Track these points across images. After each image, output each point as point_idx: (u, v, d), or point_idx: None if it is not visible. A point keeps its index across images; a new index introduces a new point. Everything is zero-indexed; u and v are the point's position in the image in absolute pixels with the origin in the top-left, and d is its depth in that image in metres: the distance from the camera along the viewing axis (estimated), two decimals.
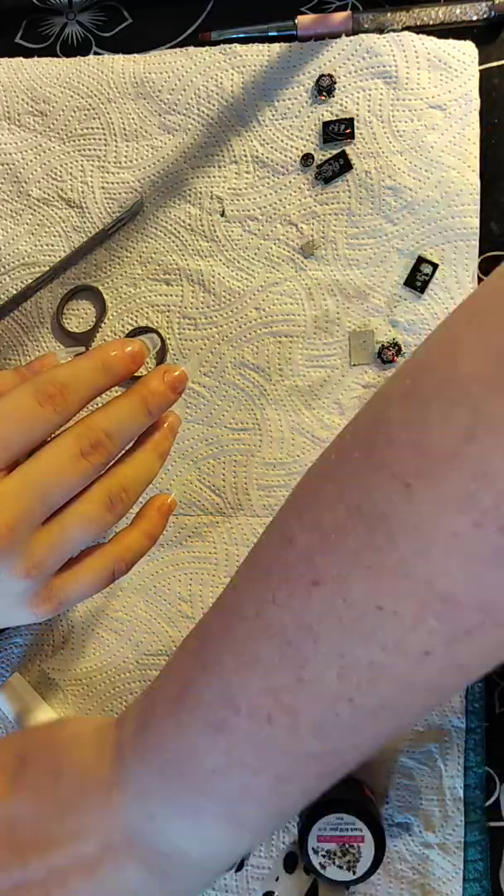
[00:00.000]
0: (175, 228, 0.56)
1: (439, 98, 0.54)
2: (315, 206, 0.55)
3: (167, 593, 0.57)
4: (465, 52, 0.54)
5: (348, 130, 0.54)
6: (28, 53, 0.57)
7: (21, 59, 0.57)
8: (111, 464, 0.44)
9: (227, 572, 0.56)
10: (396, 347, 0.54)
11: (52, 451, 0.41)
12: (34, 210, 0.57)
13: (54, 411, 0.40)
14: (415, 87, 0.54)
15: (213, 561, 0.56)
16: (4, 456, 0.40)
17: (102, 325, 0.57)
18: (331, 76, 0.54)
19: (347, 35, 0.54)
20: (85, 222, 0.57)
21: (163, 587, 0.57)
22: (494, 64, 0.55)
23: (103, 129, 0.56)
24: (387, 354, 0.54)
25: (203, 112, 0.56)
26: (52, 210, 0.57)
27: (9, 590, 0.41)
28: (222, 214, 0.56)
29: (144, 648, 0.57)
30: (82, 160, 0.56)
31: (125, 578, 0.57)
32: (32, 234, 0.57)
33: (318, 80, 0.54)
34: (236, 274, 0.56)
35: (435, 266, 0.54)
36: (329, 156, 0.55)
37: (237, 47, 0.55)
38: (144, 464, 0.44)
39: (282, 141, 0.55)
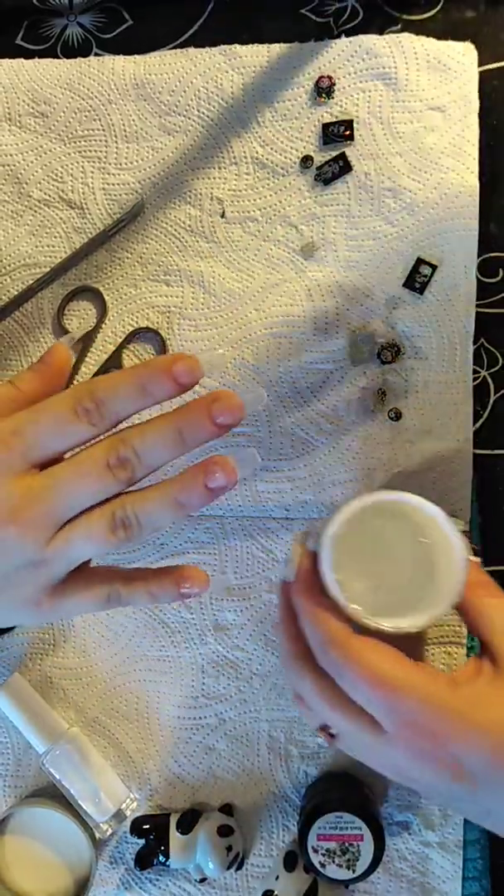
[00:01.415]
0: (175, 230, 0.56)
1: (438, 100, 0.54)
2: (315, 207, 0.55)
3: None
4: (464, 54, 0.54)
5: (348, 132, 0.54)
6: (29, 55, 0.57)
7: (22, 60, 0.57)
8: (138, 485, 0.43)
9: (226, 572, 0.56)
10: (396, 348, 0.54)
11: (83, 456, 0.41)
12: (35, 211, 0.57)
13: (89, 423, 0.41)
14: (414, 88, 0.54)
15: (212, 562, 0.56)
16: (37, 455, 0.42)
17: (103, 325, 0.57)
18: (330, 77, 0.54)
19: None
20: (86, 223, 0.57)
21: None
22: (493, 65, 0.55)
23: (104, 130, 0.56)
24: (386, 355, 0.54)
25: (203, 113, 0.56)
26: (53, 211, 0.57)
27: (22, 581, 0.42)
28: (222, 216, 0.56)
29: (145, 649, 0.57)
30: (83, 161, 0.57)
31: None
32: (33, 235, 0.57)
33: (317, 82, 0.55)
34: (236, 275, 0.56)
35: (434, 267, 0.54)
36: (329, 157, 0.55)
37: (237, 48, 0.55)
38: (156, 505, 0.42)
39: (281, 142, 0.55)
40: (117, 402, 0.41)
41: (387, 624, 0.43)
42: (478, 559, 0.47)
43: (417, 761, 0.42)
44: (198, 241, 0.56)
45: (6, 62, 0.57)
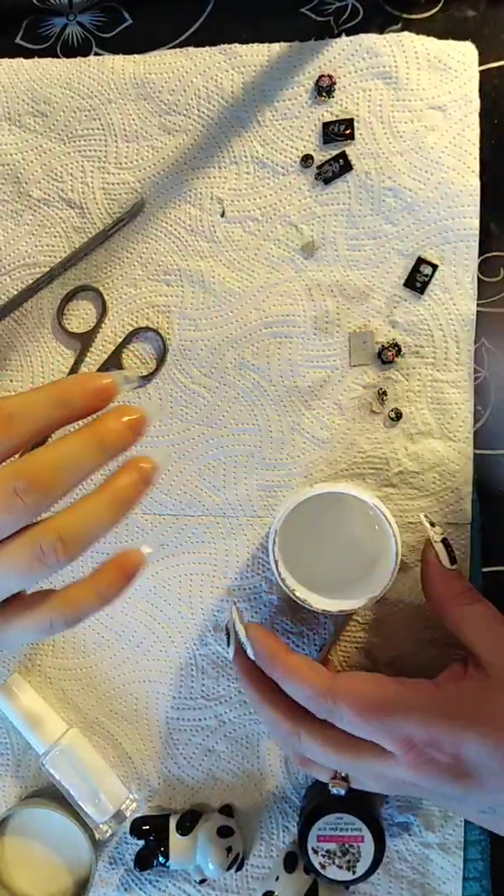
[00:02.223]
0: (175, 229, 0.56)
1: (439, 99, 0.54)
2: (315, 206, 0.55)
3: (167, 594, 0.57)
4: (465, 53, 0.54)
5: (348, 131, 0.54)
6: (28, 54, 0.57)
7: (22, 59, 0.57)
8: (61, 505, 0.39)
9: (226, 573, 0.56)
10: (396, 348, 0.54)
11: None
12: (35, 211, 0.57)
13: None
14: (415, 88, 0.54)
15: (212, 562, 0.56)
16: None
17: (103, 325, 0.57)
18: (330, 77, 0.54)
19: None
20: (85, 223, 0.57)
21: (162, 587, 0.57)
22: (494, 65, 0.55)
23: (104, 129, 0.56)
24: (387, 355, 0.54)
25: (203, 113, 0.56)
26: (53, 211, 0.57)
27: None
28: (222, 215, 0.56)
29: (145, 649, 0.57)
30: (83, 161, 0.56)
31: None
32: (33, 234, 0.57)
33: (317, 81, 0.54)
34: (236, 274, 0.56)
35: (435, 267, 0.54)
36: (329, 156, 0.55)
37: (237, 47, 0.55)
38: (94, 512, 0.38)
39: (282, 141, 0.55)
40: (28, 416, 0.38)
41: (331, 606, 0.49)
42: (455, 567, 0.49)
43: (424, 771, 0.43)
44: (198, 241, 0.56)
45: (6, 62, 0.57)
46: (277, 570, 0.49)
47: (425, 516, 0.50)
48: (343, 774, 0.47)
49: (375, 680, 0.46)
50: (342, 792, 0.47)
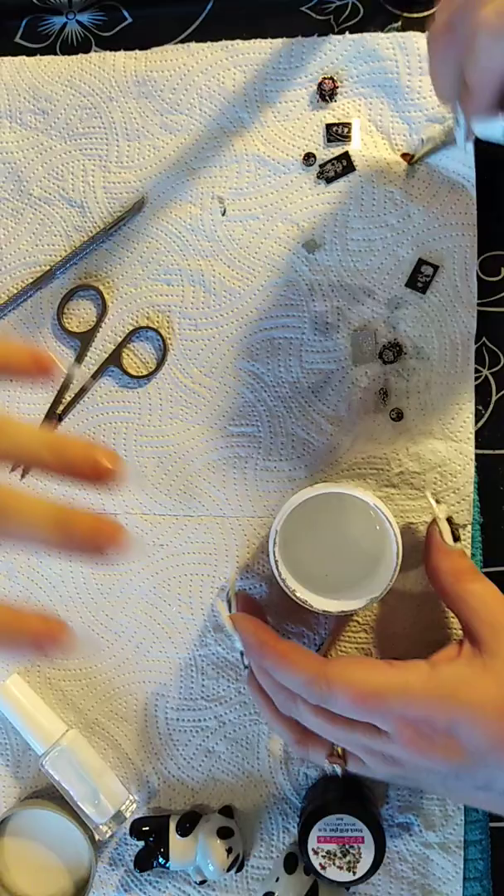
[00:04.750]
0: (176, 228, 0.56)
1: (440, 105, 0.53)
2: (317, 205, 0.55)
3: (167, 594, 0.57)
4: None
5: (351, 133, 0.54)
6: (28, 53, 0.57)
7: (23, 57, 0.56)
8: None
9: (226, 573, 0.56)
10: (397, 348, 0.54)
11: None
12: (35, 209, 0.57)
13: None
14: (416, 92, 0.54)
15: (212, 562, 0.56)
16: None
17: (103, 324, 0.57)
18: (332, 80, 0.54)
19: None
20: (86, 221, 0.56)
21: (162, 587, 0.57)
22: None
23: (105, 128, 0.56)
24: (388, 355, 0.54)
25: (205, 111, 0.55)
26: (54, 209, 0.57)
27: None
28: (223, 214, 0.56)
29: (145, 649, 0.57)
30: (84, 159, 0.56)
31: (125, 578, 0.57)
32: (33, 233, 0.57)
33: (319, 85, 0.54)
34: (237, 274, 0.56)
35: (436, 267, 0.54)
36: (332, 156, 0.54)
37: (239, 44, 0.55)
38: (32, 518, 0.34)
39: (283, 140, 0.55)
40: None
41: (332, 607, 0.49)
42: (459, 545, 0.49)
43: (419, 749, 0.43)
44: (199, 240, 0.56)
45: (7, 60, 0.56)
46: (278, 570, 0.49)
47: (431, 493, 0.50)
48: (339, 751, 0.47)
49: (369, 663, 0.46)
50: (339, 770, 0.47)
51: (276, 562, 0.49)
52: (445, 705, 0.43)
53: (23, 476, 0.54)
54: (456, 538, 0.49)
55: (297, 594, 0.49)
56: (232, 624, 0.49)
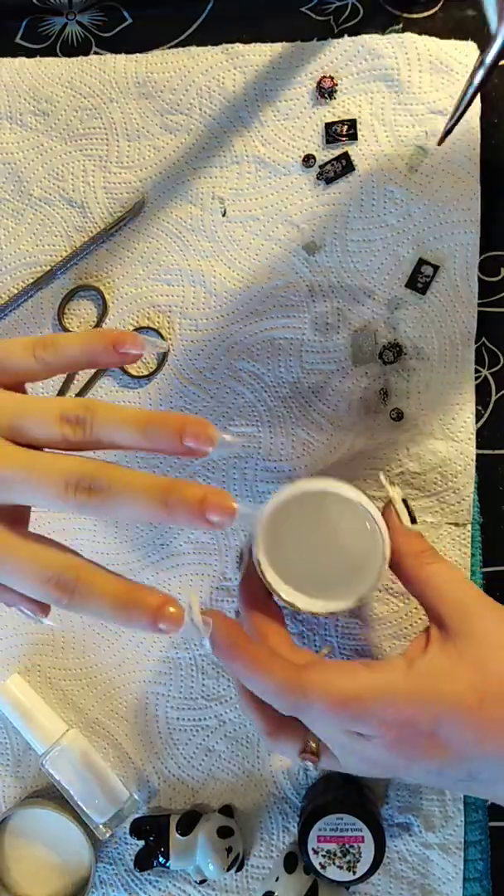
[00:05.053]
0: (177, 228, 0.56)
1: (441, 102, 0.54)
2: (317, 206, 0.55)
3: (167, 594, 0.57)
4: (466, 54, 0.54)
5: (351, 132, 0.54)
6: (28, 53, 0.57)
7: (23, 58, 0.57)
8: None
9: (226, 573, 0.56)
10: (397, 348, 0.54)
11: (44, 398, 0.40)
12: (36, 210, 0.57)
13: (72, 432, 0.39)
14: (416, 89, 0.54)
15: (212, 562, 0.56)
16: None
17: (103, 325, 0.57)
18: (332, 78, 0.54)
19: None
20: (86, 222, 0.57)
21: (162, 587, 0.57)
22: None
23: (105, 128, 0.56)
24: (388, 355, 0.54)
25: (205, 112, 0.56)
26: (54, 210, 0.57)
27: None
28: (224, 215, 0.56)
29: (144, 649, 0.57)
30: (84, 160, 0.56)
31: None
32: (34, 233, 0.57)
33: (319, 83, 0.54)
34: (237, 274, 0.56)
35: (436, 267, 0.54)
36: (331, 156, 0.55)
37: (239, 47, 0.55)
38: (139, 489, 0.38)
39: (283, 141, 0.55)
40: (107, 425, 0.39)
41: (319, 608, 0.47)
42: (416, 527, 0.47)
43: (402, 751, 0.43)
44: (199, 240, 0.56)
45: (7, 61, 0.57)
46: (261, 570, 0.47)
47: (384, 475, 0.49)
48: (313, 747, 0.46)
49: (345, 667, 0.45)
50: (312, 766, 0.46)
51: (258, 562, 0.47)
52: (428, 704, 0.42)
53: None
54: (413, 520, 0.47)
55: (283, 595, 0.47)
56: (202, 619, 0.45)
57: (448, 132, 0.47)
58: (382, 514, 0.47)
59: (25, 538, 0.39)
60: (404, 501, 0.48)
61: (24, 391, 0.42)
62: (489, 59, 0.43)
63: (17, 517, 0.40)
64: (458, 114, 0.46)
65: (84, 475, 0.37)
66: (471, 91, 0.45)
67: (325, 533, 0.50)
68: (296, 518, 0.50)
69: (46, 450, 0.39)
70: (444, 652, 0.43)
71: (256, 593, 0.48)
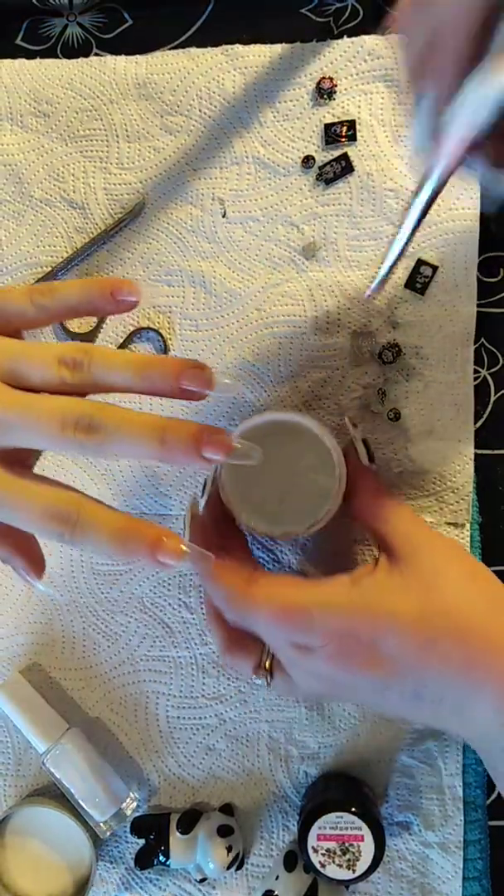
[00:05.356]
0: (177, 229, 0.56)
1: None
2: (316, 207, 0.55)
3: (167, 594, 0.57)
4: None
5: (350, 132, 0.54)
6: (29, 55, 0.57)
7: (24, 60, 0.57)
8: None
9: None
10: (396, 348, 0.54)
11: (41, 343, 0.40)
12: (36, 211, 0.57)
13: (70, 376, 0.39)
14: None
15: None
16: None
17: (104, 325, 0.57)
18: (331, 79, 0.54)
19: None
20: (87, 223, 0.57)
21: (162, 587, 0.57)
22: None
23: (105, 130, 0.56)
24: (387, 355, 0.54)
25: (205, 113, 0.56)
26: (55, 211, 0.57)
27: None
28: (224, 215, 0.56)
29: (145, 649, 0.57)
30: (84, 161, 0.57)
31: (125, 578, 0.57)
32: (35, 234, 0.57)
33: (318, 83, 0.55)
34: (237, 275, 0.56)
35: (435, 268, 0.54)
36: (330, 157, 0.55)
37: (238, 48, 0.55)
38: (138, 426, 0.38)
39: (283, 142, 0.55)
40: (104, 367, 0.39)
41: (276, 531, 0.49)
42: (373, 465, 0.49)
43: (343, 663, 0.44)
44: (199, 241, 0.56)
45: (7, 62, 0.57)
46: (224, 494, 0.49)
47: (349, 418, 0.51)
48: (266, 665, 0.47)
49: (291, 580, 0.46)
50: (264, 683, 0.47)
51: (221, 486, 0.49)
52: (368, 616, 0.43)
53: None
54: (371, 459, 0.49)
55: (243, 518, 0.49)
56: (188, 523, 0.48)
57: (382, 282, 0.45)
58: (344, 453, 0.49)
59: (24, 477, 0.39)
60: (364, 441, 0.50)
61: (21, 339, 0.42)
62: (418, 210, 0.41)
63: (18, 459, 0.40)
64: (392, 263, 0.45)
65: (82, 414, 0.37)
66: (401, 244, 0.44)
67: (289, 465, 0.51)
68: (262, 449, 0.50)
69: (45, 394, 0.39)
70: (390, 575, 0.45)
71: (219, 518, 0.49)
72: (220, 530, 0.50)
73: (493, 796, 0.56)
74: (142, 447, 0.38)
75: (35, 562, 0.42)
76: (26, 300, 0.41)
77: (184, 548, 0.38)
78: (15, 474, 0.39)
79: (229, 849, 0.54)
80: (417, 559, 0.44)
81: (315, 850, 0.52)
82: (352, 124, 0.54)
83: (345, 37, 0.55)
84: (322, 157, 0.55)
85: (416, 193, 0.41)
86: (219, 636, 0.48)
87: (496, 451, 0.55)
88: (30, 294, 0.41)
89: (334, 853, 0.52)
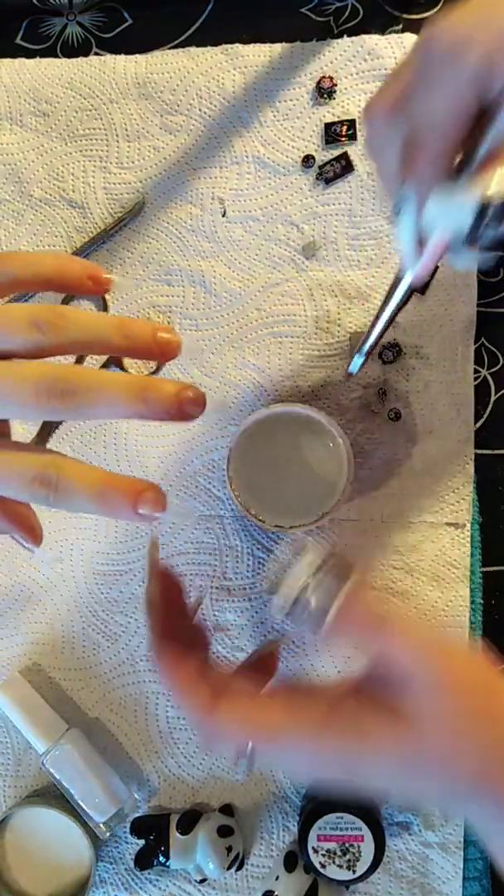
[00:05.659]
0: (176, 229, 0.56)
1: None
2: (316, 206, 0.55)
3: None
4: None
5: (350, 132, 0.54)
6: (29, 54, 0.57)
7: (23, 59, 0.57)
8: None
9: (226, 573, 0.56)
10: (397, 348, 0.54)
11: (13, 305, 0.37)
12: (36, 210, 0.57)
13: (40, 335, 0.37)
14: None
15: (212, 562, 0.56)
16: None
17: None
18: (331, 79, 0.54)
19: None
20: (87, 223, 0.57)
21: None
22: None
23: (105, 129, 0.56)
24: (387, 355, 0.54)
25: (205, 112, 0.56)
26: (54, 210, 0.57)
27: None
28: (223, 215, 0.56)
29: (145, 649, 0.57)
30: (84, 161, 0.57)
31: (125, 578, 0.57)
32: (34, 234, 0.57)
33: (318, 83, 0.54)
34: (237, 274, 0.56)
35: (435, 268, 0.54)
36: (331, 157, 0.55)
37: (238, 47, 0.55)
38: (114, 386, 0.36)
39: (283, 142, 0.55)
40: (79, 327, 0.37)
41: (285, 523, 0.50)
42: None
43: (321, 773, 0.40)
44: (199, 241, 0.56)
45: (7, 62, 0.57)
46: (232, 488, 0.50)
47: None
48: (248, 753, 0.43)
49: (260, 706, 0.41)
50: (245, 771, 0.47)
51: (229, 479, 0.50)
52: (340, 752, 0.39)
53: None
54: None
55: (252, 511, 0.50)
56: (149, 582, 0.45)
57: (365, 360, 0.47)
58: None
59: (5, 447, 0.38)
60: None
61: None
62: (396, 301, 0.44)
63: None
64: (373, 343, 0.46)
65: (57, 379, 0.36)
66: (382, 325, 0.45)
67: (297, 458, 0.52)
68: (268, 443, 0.52)
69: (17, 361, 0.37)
70: (374, 706, 0.39)
71: (167, 607, 0.46)
72: (170, 617, 0.45)
73: None
74: (123, 406, 0.36)
75: (32, 528, 0.41)
76: None
77: (163, 499, 0.37)
78: None
79: (229, 849, 0.54)
80: (411, 692, 0.38)
81: (315, 851, 0.52)
82: (352, 124, 0.54)
83: (345, 36, 0.55)
84: (322, 156, 0.55)
85: (396, 283, 0.44)
86: (197, 730, 0.47)
87: (496, 451, 0.55)
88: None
89: (334, 854, 0.52)
